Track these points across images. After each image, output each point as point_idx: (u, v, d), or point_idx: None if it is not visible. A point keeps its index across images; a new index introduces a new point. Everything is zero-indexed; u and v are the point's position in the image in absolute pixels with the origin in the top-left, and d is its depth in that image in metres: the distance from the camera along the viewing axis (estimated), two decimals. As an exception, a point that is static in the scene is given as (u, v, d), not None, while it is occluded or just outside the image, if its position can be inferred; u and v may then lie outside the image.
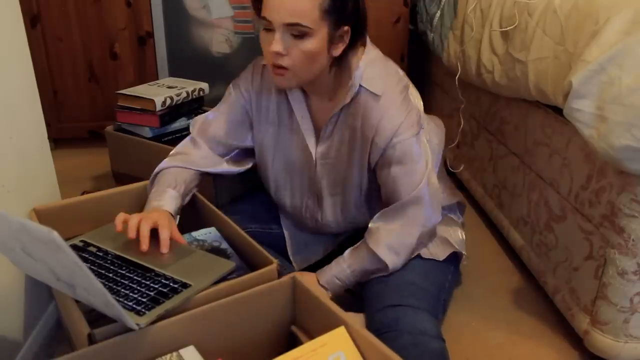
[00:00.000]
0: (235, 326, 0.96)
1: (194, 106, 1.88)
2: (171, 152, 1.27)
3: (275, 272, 1.00)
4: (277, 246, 1.34)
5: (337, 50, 1.08)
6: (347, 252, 1.18)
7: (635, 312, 1.09)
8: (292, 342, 0.99)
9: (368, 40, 1.16)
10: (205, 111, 1.90)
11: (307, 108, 1.20)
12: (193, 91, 1.84)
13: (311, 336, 0.94)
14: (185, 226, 1.37)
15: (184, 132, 1.84)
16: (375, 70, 1.14)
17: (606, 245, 1.09)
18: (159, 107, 1.72)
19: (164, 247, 1.02)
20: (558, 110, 1.15)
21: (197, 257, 1.04)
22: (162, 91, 1.79)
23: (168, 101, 1.74)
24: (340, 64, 1.12)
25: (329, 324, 0.87)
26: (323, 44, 1.04)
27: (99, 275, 0.97)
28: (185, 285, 0.93)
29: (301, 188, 1.28)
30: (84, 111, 2.32)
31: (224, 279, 0.98)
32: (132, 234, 1.01)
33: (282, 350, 0.83)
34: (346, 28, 1.06)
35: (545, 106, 1.31)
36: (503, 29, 1.43)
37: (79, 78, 2.27)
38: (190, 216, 1.35)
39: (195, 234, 1.18)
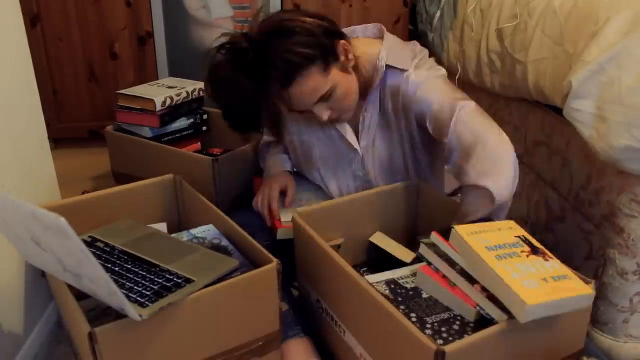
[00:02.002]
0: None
1: (194, 106, 1.88)
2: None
3: (275, 270, 1.00)
4: None
5: (350, 62, 1.16)
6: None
7: (635, 312, 1.09)
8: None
9: (384, 28, 1.27)
10: (205, 111, 1.91)
11: None
12: (193, 91, 1.84)
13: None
14: (183, 224, 1.38)
15: (184, 132, 1.84)
16: (396, 51, 1.22)
17: (606, 245, 1.09)
18: (159, 107, 1.72)
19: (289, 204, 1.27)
20: (558, 111, 1.15)
21: (201, 254, 1.06)
22: (162, 91, 1.79)
23: (168, 101, 1.74)
24: (355, 63, 1.18)
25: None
26: (344, 77, 1.14)
27: (105, 269, 0.98)
28: (188, 281, 0.95)
29: (354, 186, 1.33)
30: (84, 111, 2.32)
31: (226, 276, 0.99)
32: (266, 212, 1.27)
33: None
34: (342, 42, 1.13)
35: (545, 106, 1.31)
36: (503, 28, 1.43)
37: (79, 78, 2.27)
38: (188, 214, 1.35)
39: (194, 231, 1.19)
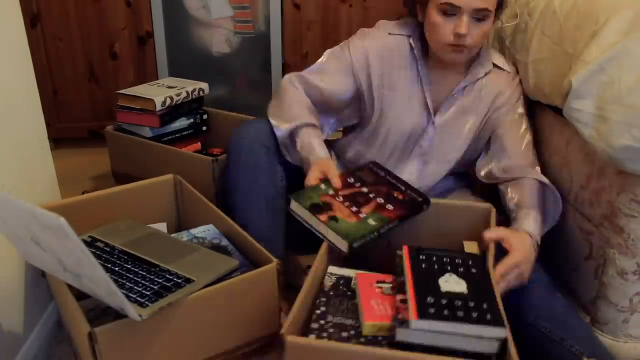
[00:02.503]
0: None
1: (194, 106, 1.88)
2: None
3: (275, 270, 1.00)
4: None
5: (497, 17, 1.22)
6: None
7: (635, 312, 1.09)
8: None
9: None
10: (205, 111, 1.90)
11: (430, 78, 1.29)
12: (193, 91, 1.84)
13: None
14: (183, 224, 1.38)
15: (184, 132, 1.84)
16: (497, 53, 1.34)
17: (606, 245, 1.09)
18: (159, 107, 1.72)
19: (337, 185, 1.13)
20: (558, 110, 1.15)
21: (201, 254, 1.06)
22: (162, 91, 1.79)
23: (168, 101, 1.74)
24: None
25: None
26: (492, 23, 1.19)
27: (105, 269, 0.98)
28: (188, 281, 0.95)
29: (407, 154, 1.34)
30: (84, 111, 2.32)
31: (226, 276, 0.99)
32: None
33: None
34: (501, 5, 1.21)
35: (545, 106, 1.31)
36: (503, 28, 1.43)
37: (79, 78, 2.27)
38: (188, 214, 1.35)
39: (194, 231, 1.19)
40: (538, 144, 1.38)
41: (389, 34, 1.31)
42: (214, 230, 1.18)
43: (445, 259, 0.95)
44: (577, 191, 1.19)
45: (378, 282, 0.97)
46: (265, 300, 1.03)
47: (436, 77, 1.29)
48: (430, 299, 0.83)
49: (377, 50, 1.30)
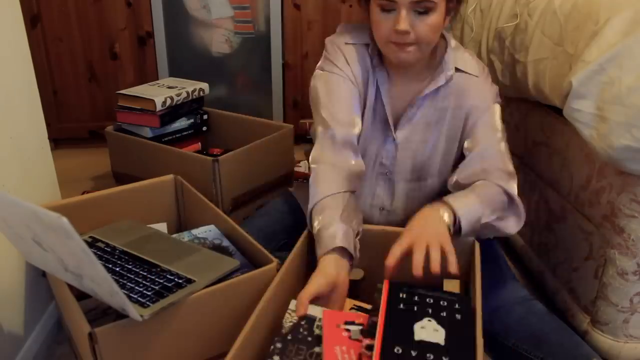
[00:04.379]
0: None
1: (194, 106, 1.88)
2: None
3: (275, 270, 1.00)
4: None
5: (446, 23, 1.10)
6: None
7: (635, 312, 1.09)
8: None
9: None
10: (205, 111, 1.90)
11: (389, 90, 1.17)
12: (193, 91, 1.84)
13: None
14: (183, 224, 1.38)
15: (184, 132, 1.84)
16: (464, 54, 1.17)
17: (606, 245, 1.09)
18: (159, 107, 1.72)
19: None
20: (558, 110, 1.15)
21: (202, 254, 1.06)
22: (162, 91, 1.79)
23: (168, 101, 1.74)
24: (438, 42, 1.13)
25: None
26: (443, 16, 1.06)
27: (106, 269, 0.98)
28: (189, 281, 0.95)
29: (373, 174, 1.22)
30: (84, 111, 2.32)
31: (227, 276, 0.99)
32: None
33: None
34: None
35: (545, 106, 1.31)
36: (502, 28, 1.43)
37: (79, 78, 2.27)
38: (188, 214, 1.35)
39: (195, 231, 1.19)
40: (538, 144, 1.38)
41: (345, 43, 1.18)
42: (215, 231, 1.18)
43: (428, 300, 0.83)
44: (577, 191, 1.19)
45: (346, 322, 0.83)
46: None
47: (396, 89, 1.17)
48: (397, 349, 0.74)
49: (347, 67, 1.19)
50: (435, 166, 1.20)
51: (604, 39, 0.98)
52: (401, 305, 0.81)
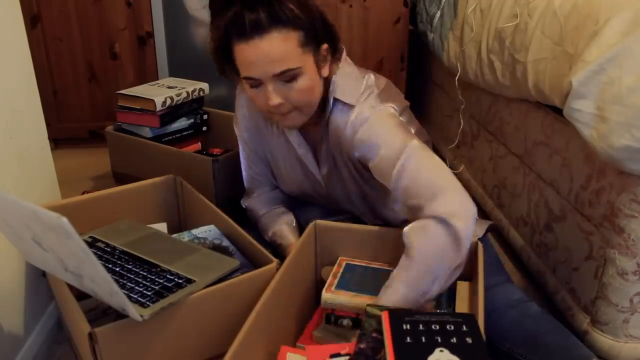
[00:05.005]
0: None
1: (194, 106, 1.88)
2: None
3: (275, 270, 1.00)
4: None
5: (325, 71, 1.08)
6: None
7: (635, 312, 1.09)
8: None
9: (346, 56, 1.15)
10: (205, 111, 1.91)
11: (302, 135, 1.19)
12: (193, 91, 1.84)
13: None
14: (183, 224, 1.38)
15: (184, 132, 1.84)
16: (347, 81, 1.10)
17: (606, 245, 1.09)
18: (159, 107, 1.72)
19: None
20: (558, 110, 1.15)
21: (202, 254, 1.06)
22: (162, 91, 1.79)
23: (168, 101, 1.74)
24: (326, 84, 1.11)
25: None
26: (314, 73, 1.04)
27: (106, 269, 0.98)
28: (189, 281, 0.95)
29: (322, 201, 1.31)
30: (84, 111, 2.32)
31: (227, 276, 0.99)
32: None
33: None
34: (325, 46, 1.06)
35: (545, 106, 1.31)
36: (502, 28, 1.43)
37: (79, 78, 2.27)
38: (188, 214, 1.35)
39: (195, 231, 1.19)
40: (538, 144, 1.38)
41: (248, 110, 1.25)
42: (215, 231, 1.18)
43: (434, 326, 0.78)
44: (577, 191, 1.19)
45: (332, 356, 0.80)
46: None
47: (304, 135, 1.18)
48: None
49: (248, 132, 1.29)
50: (356, 194, 1.22)
51: (604, 39, 0.98)
52: (408, 339, 0.76)
